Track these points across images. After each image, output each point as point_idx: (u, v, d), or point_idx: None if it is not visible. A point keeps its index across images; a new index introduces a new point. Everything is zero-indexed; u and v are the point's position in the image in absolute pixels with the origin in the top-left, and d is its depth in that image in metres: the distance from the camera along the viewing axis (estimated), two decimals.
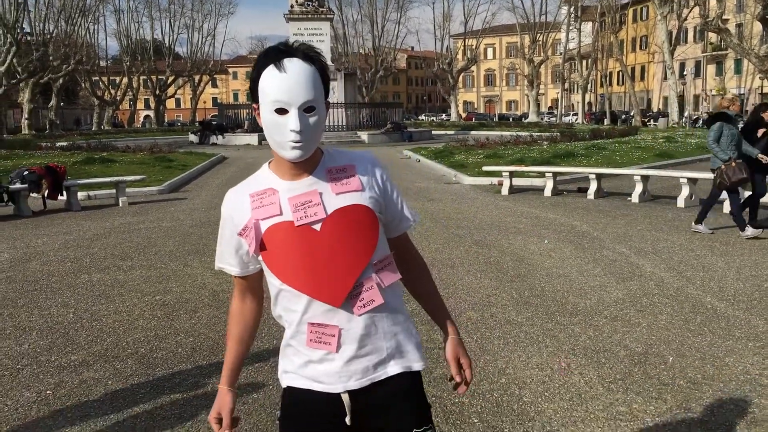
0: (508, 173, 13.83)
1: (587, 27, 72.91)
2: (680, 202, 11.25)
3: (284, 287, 1.74)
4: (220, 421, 1.87)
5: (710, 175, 8.94)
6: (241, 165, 21.79)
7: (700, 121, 52.17)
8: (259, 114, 1.73)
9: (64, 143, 28.59)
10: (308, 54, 1.69)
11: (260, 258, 1.76)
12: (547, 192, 13.17)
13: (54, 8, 51.71)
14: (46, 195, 12.26)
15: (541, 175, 13.86)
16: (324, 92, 1.72)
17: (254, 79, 1.71)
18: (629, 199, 12.07)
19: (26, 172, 12.19)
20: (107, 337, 5.23)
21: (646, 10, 69.24)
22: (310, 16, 36.72)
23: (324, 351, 1.74)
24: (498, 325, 5.30)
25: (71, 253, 8.46)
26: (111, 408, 3.95)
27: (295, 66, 1.65)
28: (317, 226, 1.71)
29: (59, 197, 12.58)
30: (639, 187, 12.00)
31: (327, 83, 1.74)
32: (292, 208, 1.72)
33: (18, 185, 11.92)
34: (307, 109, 1.66)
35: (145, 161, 20.27)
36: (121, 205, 12.90)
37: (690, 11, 49.84)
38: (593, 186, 12.62)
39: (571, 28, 65.71)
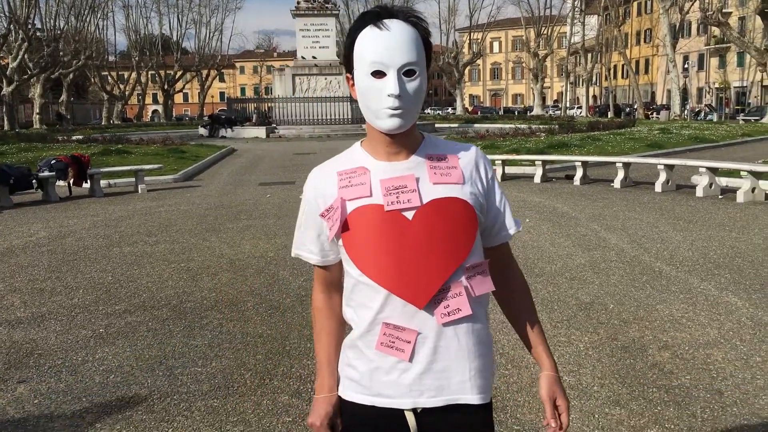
0: (500, 161, 14.74)
1: (592, 20, 73.58)
2: (657, 188, 12.15)
3: (362, 278, 1.54)
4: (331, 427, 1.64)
5: (689, 162, 9.71)
6: (250, 156, 22.77)
7: (702, 114, 52.97)
8: (353, 85, 1.57)
9: (80, 136, 29.67)
10: (409, 17, 1.53)
11: (340, 242, 1.57)
12: (537, 179, 14.08)
13: (64, 4, 53.19)
14: (71, 182, 13.27)
15: (532, 163, 14.78)
16: (426, 60, 1.54)
17: (349, 45, 1.54)
18: (612, 185, 12.98)
19: (53, 161, 13.22)
20: (143, 293, 6.21)
21: (650, 3, 69.80)
22: (316, 12, 37.70)
23: (395, 359, 1.53)
24: None
25: (101, 231, 9.45)
26: (153, 341, 4.92)
27: (395, 26, 1.50)
28: (409, 214, 1.52)
29: (83, 185, 13.58)
30: (621, 174, 12.91)
31: (429, 51, 1.56)
32: (384, 191, 1.53)
33: (46, 173, 12.93)
34: (407, 73, 1.49)
35: (159, 153, 21.27)
36: (140, 191, 13.89)
37: (692, 4, 50.55)
38: (579, 173, 13.53)
39: (575, 21, 66.45)
